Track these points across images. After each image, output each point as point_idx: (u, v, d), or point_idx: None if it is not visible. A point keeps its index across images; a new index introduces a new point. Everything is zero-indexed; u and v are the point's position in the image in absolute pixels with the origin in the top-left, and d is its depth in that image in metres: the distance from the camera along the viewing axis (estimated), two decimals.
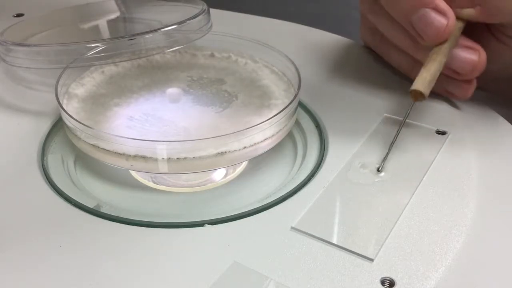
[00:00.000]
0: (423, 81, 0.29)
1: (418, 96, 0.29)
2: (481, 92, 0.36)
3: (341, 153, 0.29)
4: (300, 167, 0.29)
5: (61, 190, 0.27)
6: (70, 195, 0.26)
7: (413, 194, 0.26)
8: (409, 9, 0.31)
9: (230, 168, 0.30)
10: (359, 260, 0.22)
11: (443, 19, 0.30)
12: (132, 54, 0.33)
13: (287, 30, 0.44)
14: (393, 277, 0.21)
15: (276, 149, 0.30)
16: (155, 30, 0.32)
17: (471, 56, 0.31)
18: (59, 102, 0.28)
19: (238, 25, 0.45)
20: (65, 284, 0.21)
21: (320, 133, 0.31)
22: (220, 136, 0.26)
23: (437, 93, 0.33)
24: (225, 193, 0.29)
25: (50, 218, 0.25)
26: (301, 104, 0.33)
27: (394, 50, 0.35)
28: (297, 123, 0.32)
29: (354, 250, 0.23)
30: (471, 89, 0.33)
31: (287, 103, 0.28)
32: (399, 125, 0.30)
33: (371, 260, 0.22)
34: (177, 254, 0.23)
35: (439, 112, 0.33)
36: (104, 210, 0.26)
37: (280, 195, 0.26)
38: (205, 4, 0.37)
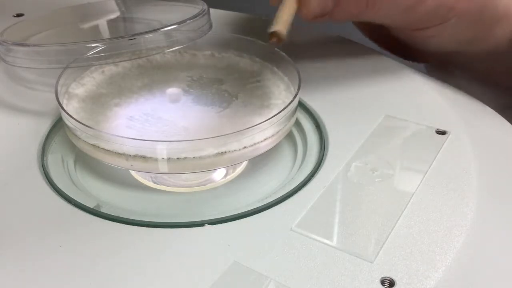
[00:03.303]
0: (282, 22, 0.29)
1: (276, 37, 0.28)
2: (481, 91, 0.36)
3: (341, 153, 0.29)
4: (300, 167, 0.29)
5: (61, 190, 0.27)
6: (70, 195, 0.26)
7: (413, 194, 0.26)
8: None
9: (230, 168, 0.30)
10: (359, 260, 0.22)
11: None
12: (132, 54, 0.33)
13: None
14: (393, 277, 0.21)
15: (276, 149, 0.30)
16: (155, 30, 0.32)
17: None
18: (59, 102, 0.28)
19: (238, 25, 0.45)
20: (65, 284, 0.21)
21: (320, 133, 0.31)
22: (220, 136, 0.26)
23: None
24: (225, 193, 0.29)
25: (50, 218, 0.25)
26: (301, 104, 0.33)
27: None
28: (297, 123, 0.32)
29: (354, 250, 0.23)
30: None
31: (287, 103, 0.28)
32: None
33: (371, 260, 0.22)
34: (177, 254, 0.23)
35: (439, 112, 0.33)
36: (104, 210, 0.26)
37: (280, 195, 0.26)
38: (205, 4, 0.37)
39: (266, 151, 0.28)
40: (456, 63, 0.41)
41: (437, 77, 0.37)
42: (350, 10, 0.34)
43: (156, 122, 0.29)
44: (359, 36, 0.43)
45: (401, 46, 0.41)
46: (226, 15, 0.46)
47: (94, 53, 0.32)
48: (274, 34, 0.28)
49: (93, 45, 0.32)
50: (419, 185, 0.27)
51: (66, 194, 0.26)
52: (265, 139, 0.28)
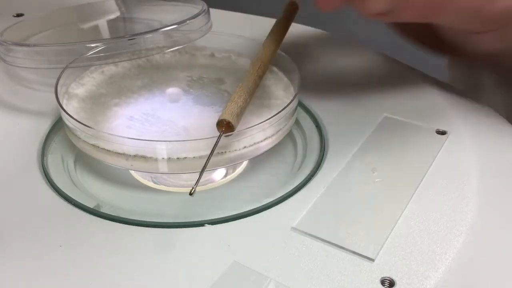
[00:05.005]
0: (232, 113, 0.27)
1: (225, 127, 0.26)
2: (481, 91, 0.36)
3: (341, 153, 0.29)
4: (300, 167, 0.29)
5: (61, 190, 0.27)
6: (70, 195, 0.26)
7: (413, 194, 0.26)
8: None
9: (230, 168, 0.30)
10: (359, 260, 0.22)
11: None
12: (132, 54, 0.33)
13: None
14: (393, 277, 0.21)
15: (276, 149, 0.30)
16: (155, 30, 0.32)
17: None
18: (59, 102, 0.28)
19: (238, 25, 0.45)
20: (65, 284, 0.21)
21: (320, 133, 0.31)
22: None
23: None
24: (225, 193, 0.29)
25: (50, 218, 0.25)
26: (301, 104, 0.33)
27: None
28: (297, 123, 0.32)
29: (354, 250, 0.23)
30: None
31: (287, 103, 0.28)
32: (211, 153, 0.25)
33: (371, 260, 0.22)
34: (177, 254, 0.23)
35: (439, 112, 0.33)
36: (104, 210, 0.26)
37: (280, 195, 0.26)
38: (205, 4, 0.37)
39: (266, 151, 0.28)
40: (493, 62, 0.37)
41: (458, 71, 0.35)
42: (418, 11, 0.30)
43: (156, 122, 0.29)
44: (360, 36, 0.43)
45: (439, 43, 0.37)
46: (226, 15, 0.47)
47: (94, 53, 0.32)
48: (222, 124, 0.26)
49: (93, 45, 0.32)
50: (419, 185, 0.27)
51: (66, 194, 0.26)
52: (265, 139, 0.28)
